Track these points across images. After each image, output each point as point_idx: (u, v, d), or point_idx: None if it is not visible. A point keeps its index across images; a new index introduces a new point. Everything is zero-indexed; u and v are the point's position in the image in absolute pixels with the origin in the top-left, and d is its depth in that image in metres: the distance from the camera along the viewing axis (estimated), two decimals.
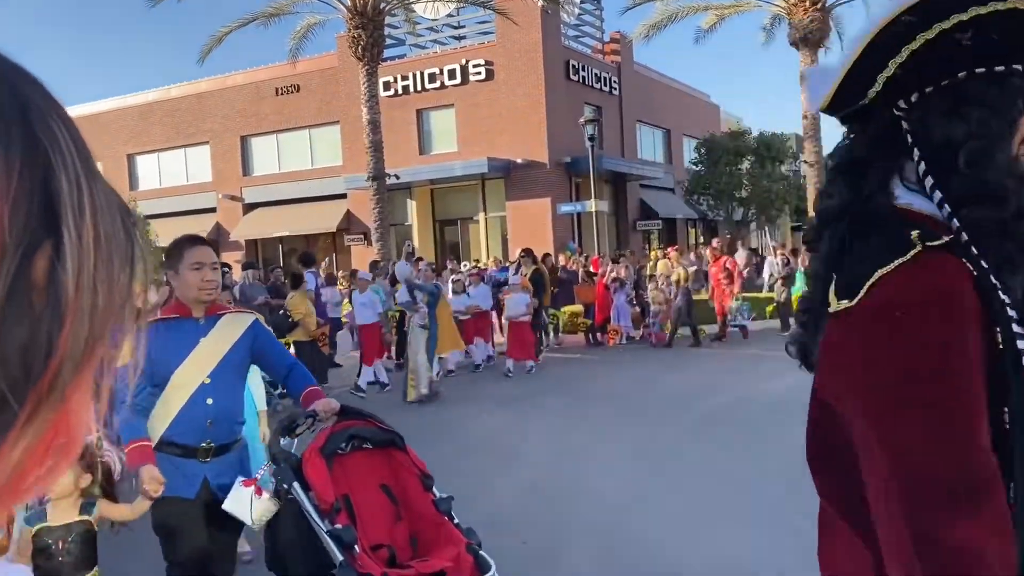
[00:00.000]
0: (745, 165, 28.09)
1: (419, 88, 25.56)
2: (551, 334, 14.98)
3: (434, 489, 3.25)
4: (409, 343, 10.29)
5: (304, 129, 27.69)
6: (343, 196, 26.20)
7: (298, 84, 27.19)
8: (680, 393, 9.56)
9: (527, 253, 13.82)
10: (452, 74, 25.04)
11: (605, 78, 27.45)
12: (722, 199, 28.33)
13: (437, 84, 25.30)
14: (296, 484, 2.95)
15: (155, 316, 3.17)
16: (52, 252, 0.41)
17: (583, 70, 26.06)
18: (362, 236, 24.63)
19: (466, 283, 13.01)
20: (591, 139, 19.19)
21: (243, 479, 3.10)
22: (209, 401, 3.11)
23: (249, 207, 28.61)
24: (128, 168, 30.87)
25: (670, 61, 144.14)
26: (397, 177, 22.11)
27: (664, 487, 5.95)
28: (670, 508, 5.45)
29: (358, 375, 11.07)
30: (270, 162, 28.52)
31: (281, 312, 10.33)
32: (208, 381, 3.11)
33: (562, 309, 15.63)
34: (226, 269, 11.78)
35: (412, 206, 26.42)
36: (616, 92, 28.12)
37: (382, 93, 22.91)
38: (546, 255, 16.20)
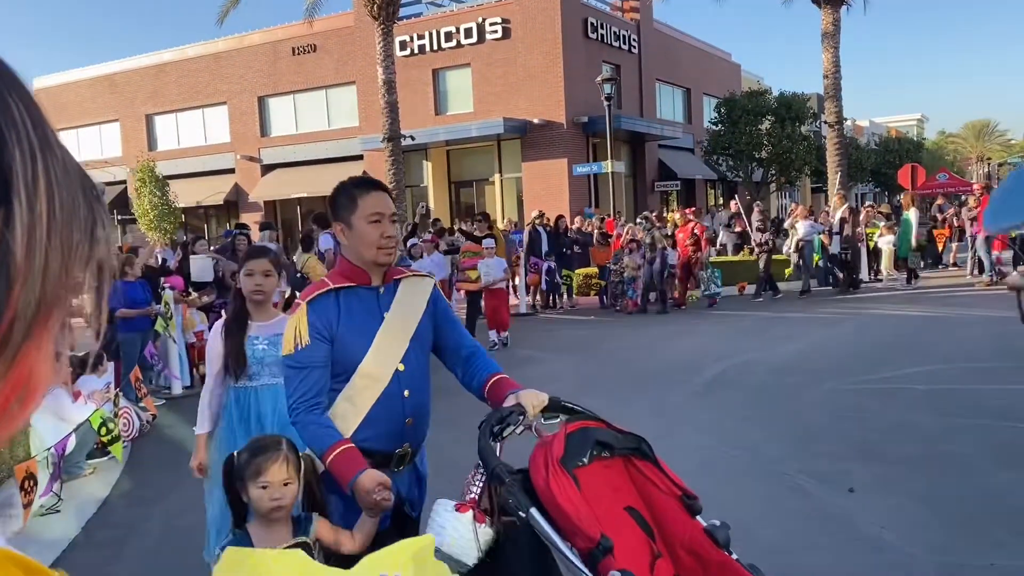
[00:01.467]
0: (765, 125, 27.71)
1: (435, 47, 25.34)
2: (565, 296, 15.03)
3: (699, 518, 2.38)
4: None
5: (321, 90, 27.60)
6: (360, 157, 26.19)
7: (315, 44, 27.04)
8: (691, 356, 9.60)
9: (483, 216, 13.04)
10: (468, 33, 24.78)
11: (624, 36, 27.04)
12: (742, 160, 28.02)
13: (453, 43, 25.06)
14: (534, 510, 2.04)
15: (325, 285, 2.49)
16: (2, 221, 0.44)
17: (601, 28, 25.68)
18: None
19: (423, 250, 12.40)
20: (608, 98, 18.99)
21: (453, 503, 2.14)
22: (406, 393, 2.50)
23: (267, 168, 28.69)
24: (146, 128, 30.96)
25: (690, 19, 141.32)
26: (413, 138, 22.04)
27: (672, 448, 6.02)
28: (677, 469, 5.53)
29: None
30: (287, 123, 28.50)
31: (298, 275, 10.44)
32: (402, 368, 2.49)
33: (576, 271, 15.67)
34: (246, 230, 11.92)
35: (428, 167, 26.37)
36: (635, 51, 27.72)
37: (398, 53, 22.75)
38: (559, 217, 16.17)
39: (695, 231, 14.22)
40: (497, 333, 10.84)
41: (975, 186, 20.25)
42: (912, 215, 15.63)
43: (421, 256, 12.10)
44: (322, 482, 2.43)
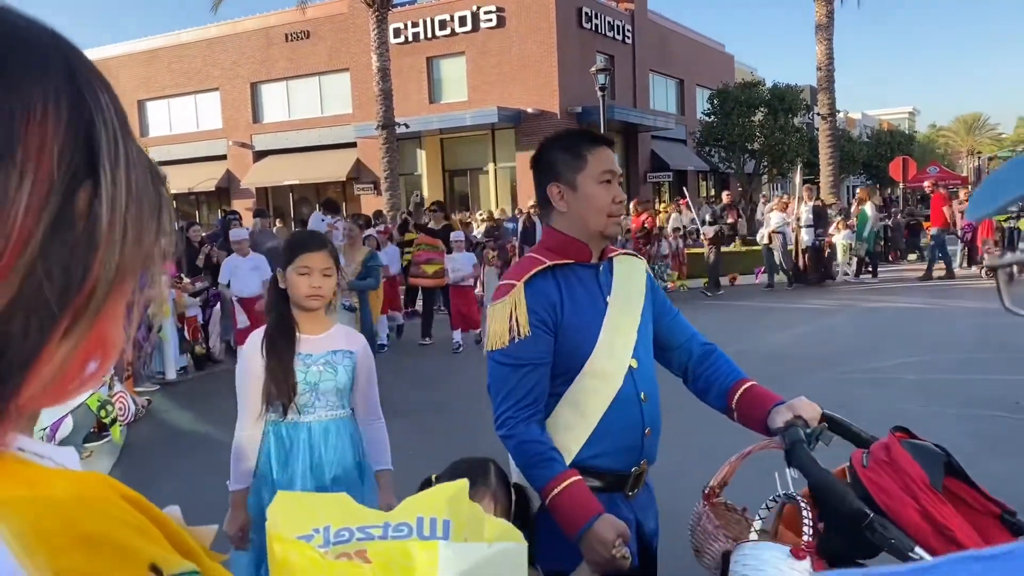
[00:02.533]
0: (758, 117, 27.78)
1: (429, 35, 25.27)
2: None
3: None
4: None
5: (314, 76, 27.50)
6: (353, 145, 26.14)
7: (308, 30, 26.92)
8: None
9: (438, 207, 11.84)
10: (463, 21, 24.72)
11: (618, 26, 27.03)
12: (734, 151, 28.09)
13: (448, 31, 25.00)
14: (919, 549, 1.59)
15: (538, 262, 1.99)
16: (91, 190, 0.50)
17: (596, 18, 25.66)
18: (372, 185, 24.63)
19: (377, 242, 10.74)
20: (602, 89, 19.00)
21: (785, 547, 1.63)
22: (643, 396, 2.04)
23: (259, 155, 28.59)
24: (138, 114, 30.80)
25: (685, 9, 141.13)
26: (407, 126, 22.02)
27: (661, 437, 6.10)
28: (666, 453, 5.60)
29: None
30: (280, 109, 28.40)
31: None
32: (635, 365, 2.02)
33: None
34: (235, 217, 11.90)
35: (422, 155, 26.34)
36: (629, 41, 27.71)
37: (392, 40, 22.69)
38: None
39: (645, 224, 14.27)
40: (462, 332, 10.02)
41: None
42: (869, 208, 15.73)
43: (377, 247, 10.52)
44: (535, 521, 1.93)
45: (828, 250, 15.45)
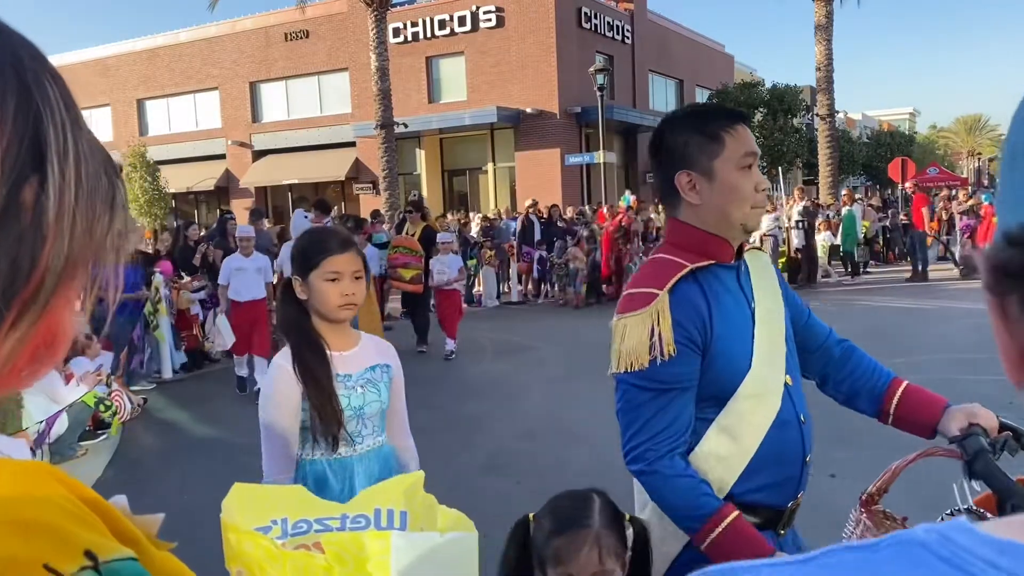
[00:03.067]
0: (757, 117, 27.80)
1: (429, 35, 25.28)
2: (556, 285, 15.10)
3: None
4: None
5: (313, 76, 27.50)
6: (352, 144, 26.14)
7: (307, 30, 26.92)
8: None
9: (413, 207, 11.16)
10: (462, 21, 24.73)
11: (618, 27, 27.03)
12: None
13: (447, 31, 25.00)
14: None
15: (678, 266, 1.69)
16: (38, 185, 0.51)
17: (595, 18, 25.66)
18: (371, 185, 24.64)
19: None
20: (601, 89, 19.02)
21: None
22: (802, 418, 1.77)
23: (258, 154, 28.59)
24: (137, 113, 30.79)
25: (684, 10, 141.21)
26: (406, 126, 22.02)
27: None
28: None
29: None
30: (279, 109, 28.40)
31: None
32: (790, 382, 1.76)
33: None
34: (230, 216, 11.90)
35: (421, 155, 26.34)
36: (629, 41, 27.72)
37: (391, 39, 22.71)
38: (553, 206, 16.22)
39: (623, 223, 14.28)
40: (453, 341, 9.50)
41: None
42: (856, 209, 15.76)
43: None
44: (675, 567, 1.71)
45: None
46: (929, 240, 15.78)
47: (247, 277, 7.97)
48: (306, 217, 10.06)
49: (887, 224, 18.43)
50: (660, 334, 1.64)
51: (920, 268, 14.89)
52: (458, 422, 6.72)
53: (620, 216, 14.55)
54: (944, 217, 18.38)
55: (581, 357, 9.31)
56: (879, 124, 55.09)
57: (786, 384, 1.73)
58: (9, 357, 0.51)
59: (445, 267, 9.54)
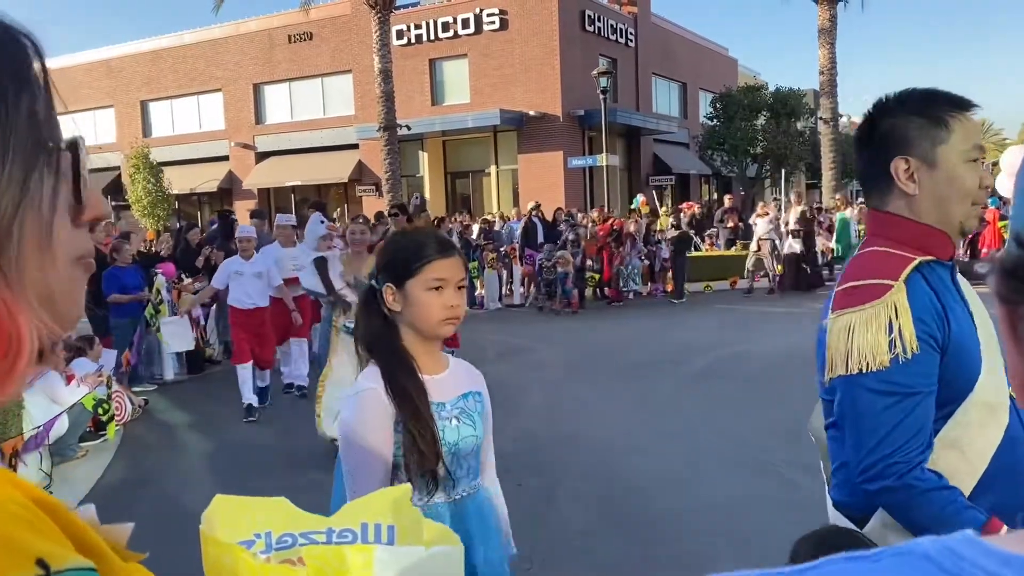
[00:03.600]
0: (761, 121, 27.77)
1: (432, 37, 25.30)
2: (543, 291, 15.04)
3: None
4: (331, 354, 6.02)
5: (317, 78, 27.54)
6: (355, 146, 26.17)
7: (311, 32, 26.96)
8: (681, 348, 9.66)
9: (399, 210, 9.77)
10: (465, 23, 24.74)
11: (621, 29, 27.04)
12: (736, 155, 28.08)
13: (450, 33, 25.02)
14: None
15: (904, 259, 1.53)
16: None
17: (599, 21, 25.67)
18: (373, 187, 24.65)
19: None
20: (604, 92, 19.01)
21: None
22: None
23: (261, 156, 28.63)
24: (141, 114, 30.85)
25: (688, 13, 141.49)
26: (409, 128, 22.03)
27: (659, 437, 6.09)
28: (664, 457, 5.59)
29: None
30: (282, 111, 28.44)
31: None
32: (1014, 394, 1.52)
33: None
34: (231, 215, 11.89)
35: (424, 157, 26.35)
36: (632, 44, 27.72)
37: (394, 42, 22.73)
38: (557, 209, 16.22)
39: (614, 227, 14.27)
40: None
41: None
42: (850, 214, 15.48)
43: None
44: None
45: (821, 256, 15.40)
46: None
47: (246, 282, 7.26)
48: (322, 222, 9.64)
49: None
50: (900, 329, 1.46)
51: None
52: None
53: (611, 219, 14.57)
54: None
55: (582, 359, 9.30)
56: None
57: (1010, 395, 1.52)
58: None
59: None
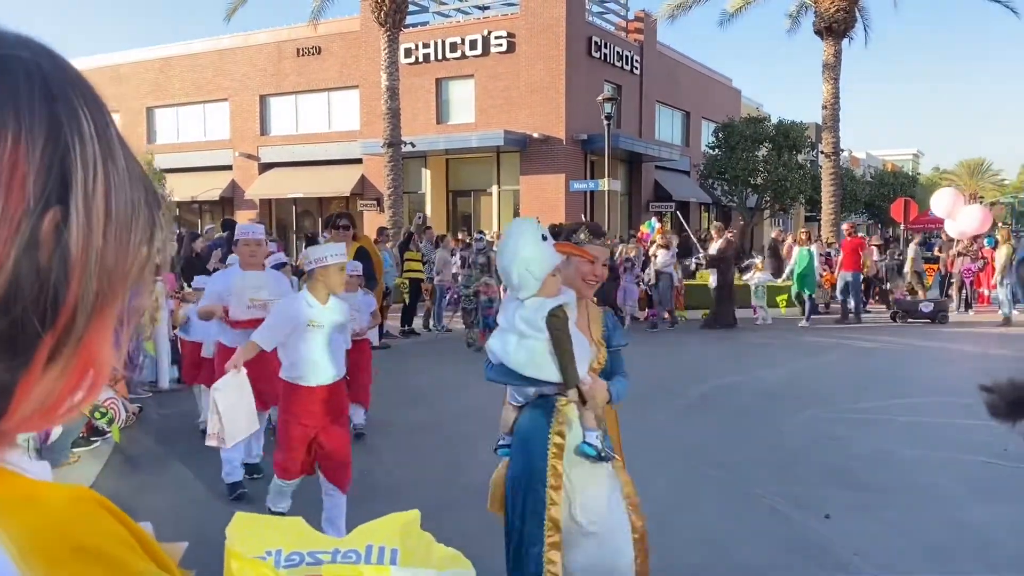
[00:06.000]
0: (762, 152, 27.93)
1: (440, 57, 25.49)
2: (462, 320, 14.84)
3: None
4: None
5: (323, 92, 27.69)
6: (359, 161, 26.27)
7: (319, 46, 27.15)
8: (674, 376, 9.68)
9: (345, 217, 7.97)
10: (473, 44, 24.94)
11: (627, 56, 27.26)
12: (737, 185, 28.22)
13: (458, 54, 25.21)
14: None
15: None
16: (60, 217, 0.50)
17: (605, 47, 25.89)
18: (375, 202, 24.72)
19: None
20: (608, 117, 19.14)
21: None
22: None
23: (265, 166, 28.72)
24: (147, 121, 30.96)
25: (694, 43, 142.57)
26: (413, 145, 22.14)
27: (650, 466, 6.09)
28: (654, 487, 5.59)
29: None
30: (288, 123, 28.56)
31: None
32: None
33: None
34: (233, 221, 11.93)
35: (426, 175, 26.46)
36: (637, 71, 27.94)
37: (402, 60, 22.89)
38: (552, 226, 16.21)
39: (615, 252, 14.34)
40: (364, 411, 6.86)
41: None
42: (815, 249, 15.08)
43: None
44: None
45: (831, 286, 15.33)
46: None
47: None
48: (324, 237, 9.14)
49: (886, 263, 18.40)
50: None
51: (854, 311, 15.03)
52: (453, 440, 6.70)
53: (612, 245, 14.63)
54: (948, 259, 18.34)
55: None
56: (883, 164, 55.34)
57: None
58: (50, 392, 0.51)
59: (353, 309, 5.67)
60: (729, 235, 14.86)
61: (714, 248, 14.48)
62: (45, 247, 0.49)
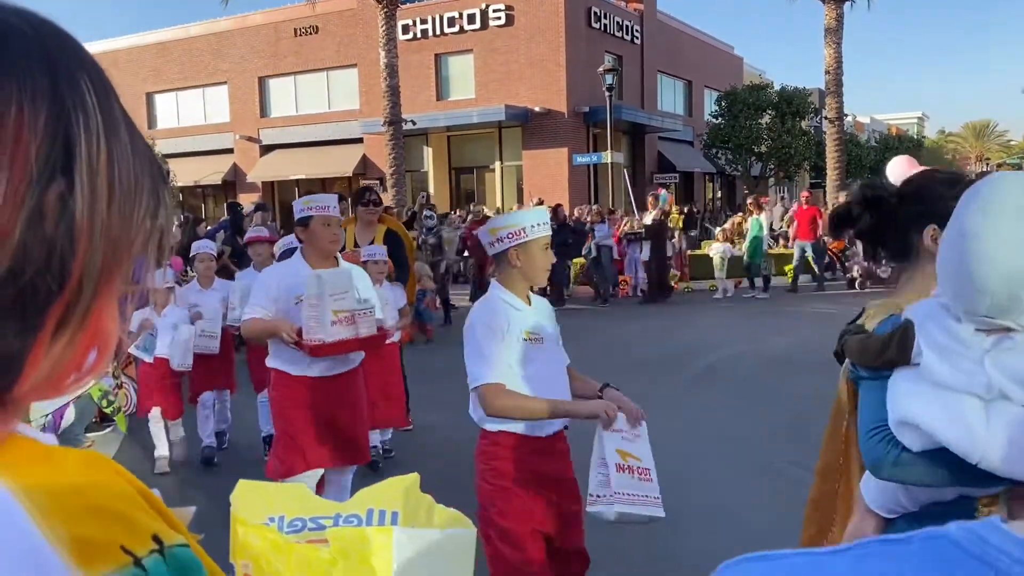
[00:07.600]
0: (765, 119, 27.75)
1: (438, 32, 25.31)
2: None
3: None
4: None
5: (322, 71, 27.57)
6: (360, 140, 26.20)
7: (317, 25, 26.99)
8: (683, 346, 9.69)
9: (371, 192, 6.64)
10: (472, 19, 24.75)
11: (627, 27, 27.03)
12: (741, 153, 28.08)
13: (456, 28, 25.03)
14: None
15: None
16: (65, 189, 0.51)
17: (605, 18, 25.67)
18: (378, 181, 24.69)
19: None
20: (609, 89, 19.02)
21: None
22: None
23: (266, 149, 28.68)
24: (146, 106, 30.89)
25: (694, 10, 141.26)
26: (414, 123, 22.05)
27: (661, 437, 6.11)
28: (666, 457, 5.61)
29: None
30: (287, 104, 28.47)
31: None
32: None
33: (573, 260, 15.70)
34: (238, 207, 11.92)
35: (428, 152, 26.38)
36: (638, 41, 27.71)
37: (400, 36, 22.73)
38: (558, 205, 16.18)
39: (623, 227, 14.33)
40: (380, 432, 5.61)
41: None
42: (763, 219, 14.57)
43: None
44: None
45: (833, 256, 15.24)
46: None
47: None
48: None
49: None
50: None
51: (817, 279, 14.94)
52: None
53: (621, 222, 14.61)
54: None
55: (588, 358, 9.31)
56: (888, 128, 54.92)
57: None
58: (58, 361, 0.52)
59: (382, 298, 4.75)
60: (663, 207, 14.63)
61: (648, 218, 14.25)
62: (51, 217, 0.50)
